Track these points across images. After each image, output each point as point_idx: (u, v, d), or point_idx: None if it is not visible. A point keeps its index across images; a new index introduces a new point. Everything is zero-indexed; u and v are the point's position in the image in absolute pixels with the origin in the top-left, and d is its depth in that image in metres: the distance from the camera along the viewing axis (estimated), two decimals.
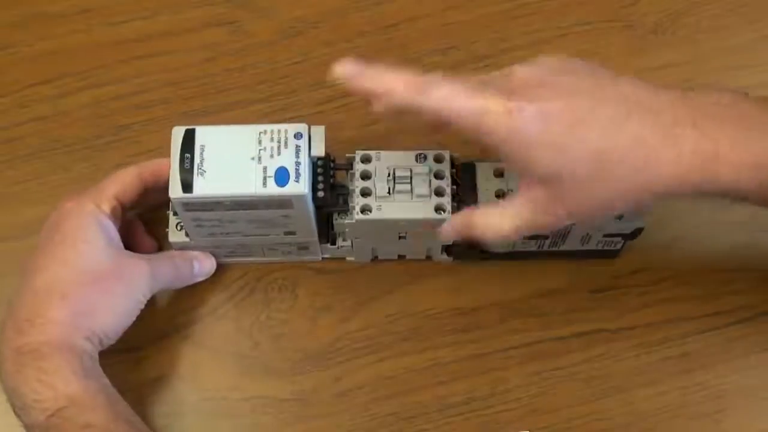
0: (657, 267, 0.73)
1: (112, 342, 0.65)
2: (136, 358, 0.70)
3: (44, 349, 0.61)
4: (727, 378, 0.70)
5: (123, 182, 0.68)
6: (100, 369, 0.63)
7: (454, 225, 0.61)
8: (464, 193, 0.67)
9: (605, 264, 0.73)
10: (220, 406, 0.70)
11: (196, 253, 0.70)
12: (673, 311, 0.72)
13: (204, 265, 0.70)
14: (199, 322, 0.72)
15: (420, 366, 0.70)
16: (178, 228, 0.69)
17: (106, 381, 0.63)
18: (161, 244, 0.72)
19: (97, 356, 0.63)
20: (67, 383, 0.60)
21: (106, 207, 0.66)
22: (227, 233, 0.67)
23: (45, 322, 0.61)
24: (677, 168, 0.53)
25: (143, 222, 0.73)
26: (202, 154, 0.63)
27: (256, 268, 0.73)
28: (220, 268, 0.73)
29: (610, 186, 0.54)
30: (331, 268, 0.73)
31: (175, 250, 0.70)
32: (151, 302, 0.71)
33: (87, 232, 0.64)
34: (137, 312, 0.66)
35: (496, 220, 0.59)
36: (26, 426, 0.61)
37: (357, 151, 0.67)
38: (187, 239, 0.69)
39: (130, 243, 0.72)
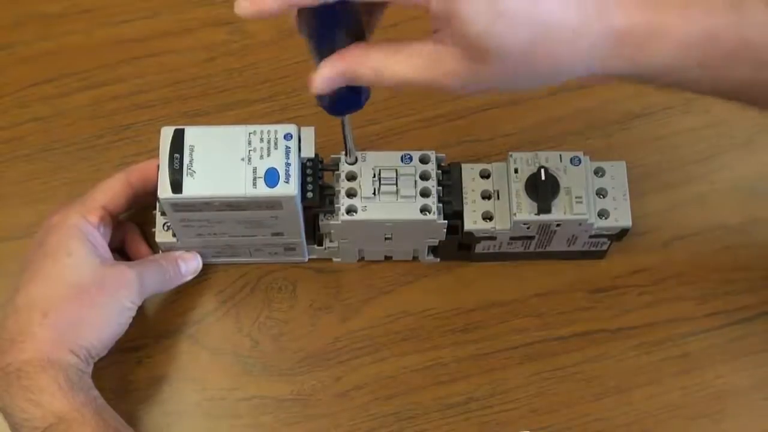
0: (657, 267, 0.73)
1: (103, 353, 0.65)
2: (137, 357, 0.70)
3: (27, 368, 0.60)
4: (727, 378, 0.70)
5: (111, 191, 0.68)
6: (89, 381, 0.63)
7: (336, 62, 0.52)
8: (450, 193, 0.67)
9: (605, 264, 0.73)
10: (220, 406, 0.70)
11: (179, 252, 0.70)
12: (673, 311, 0.72)
13: (190, 264, 0.70)
14: (200, 322, 0.72)
15: (420, 366, 0.70)
16: (165, 228, 0.69)
17: (96, 393, 0.63)
18: (149, 245, 0.72)
19: (86, 368, 0.63)
20: (53, 400, 0.60)
21: (93, 217, 0.66)
22: (215, 234, 0.67)
23: (26, 340, 0.61)
24: (598, 45, 0.49)
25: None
26: (191, 154, 0.63)
27: (256, 268, 0.73)
28: (220, 268, 0.73)
29: (539, 60, 0.49)
30: (331, 268, 0.73)
31: (162, 250, 0.70)
32: (152, 303, 0.71)
33: (70, 245, 0.64)
34: (127, 320, 0.65)
35: (390, 62, 0.51)
36: None
37: (343, 152, 0.67)
38: (173, 240, 0.69)
39: (126, 250, 0.72)
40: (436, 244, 0.70)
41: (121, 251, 0.72)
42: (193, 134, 0.63)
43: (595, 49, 0.50)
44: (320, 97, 0.56)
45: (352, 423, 0.69)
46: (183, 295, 0.72)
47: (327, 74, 0.52)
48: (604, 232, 0.68)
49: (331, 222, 0.67)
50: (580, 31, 0.49)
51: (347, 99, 0.56)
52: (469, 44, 0.49)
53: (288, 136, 0.63)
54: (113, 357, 0.66)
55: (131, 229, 0.72)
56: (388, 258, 0.73)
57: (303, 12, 0.53)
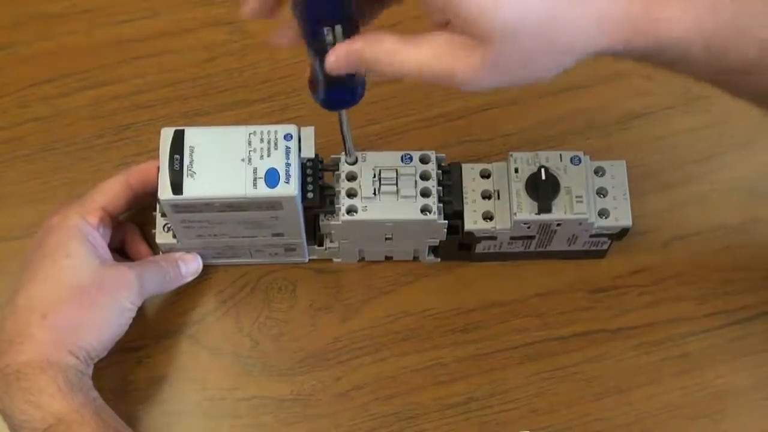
0: (657, 267, 0.73)
1: (103, 354, 0.64)
2: (137, 357, 0.70)
3: (26, 370, 0.60)
4: (727, 378, 0.70)
5: (111, 192, 0.68)
6: (89, 382, 0.63)
7: (349, 50, 0.51)
8: (450, 193, 0.67)
9: (605, 264, 0.73)
10: (220, 406, 0.70)
11: (180, 254, 0.70)
12: (673, 311, 0.72)
13: (191, 265, 0.70)
14: (200, 322, 0.72)
15: (420, 366, 0.70)
16: (165, 229, 0.69)
17: (95, 394, 0.62)
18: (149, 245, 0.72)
19: (86, 369, 0.63)
20: (52, 401, 0.60)
21: (93, 218, 0.66)
22: (215, 235, 0.67)
23: (25, 341, 0.61)
24: (604, 20, 0.49)
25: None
26: (191, 155, 0.63)
27: (256, 268, 0.73)
28: (220, 268, 0.73)
29: (546, 39, 0.49)
30: (331, 268, 0.73)
31: (162, 251, 0.70)
32: (152, 303, 0.71)
33: (69, 246, 0.64)
34: (127, 321, 0.65)
35: (406, 48, 0.50)
36: None
37: (343, 152, 0.67)
38: (174, 241, 0.69)
39: (126, 250, 0.72)
40: (437, 244, 0.70)
41: (121, 251, 0.72)
42: (193, 135, 0.63)
43: (602, 25, 0.49)
44: (315, 91, 0.55)
45: (352, 423, 0.69)
46: (183, 295, 0.72)
47: (342, 53, 0.51)
48: (605, 232, 0.68)
49: (332, 222, 0.67)
50: (586, 8, 0.49)
51: (342, 93, 0.56)
52: (472, 29, 0.48)
53: (288, 137, 0.63)
54: (113, 357, 0.66)
55: (131, 229, 0.72)
56: (388, 258, 0.73)
57: None
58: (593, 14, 0.49)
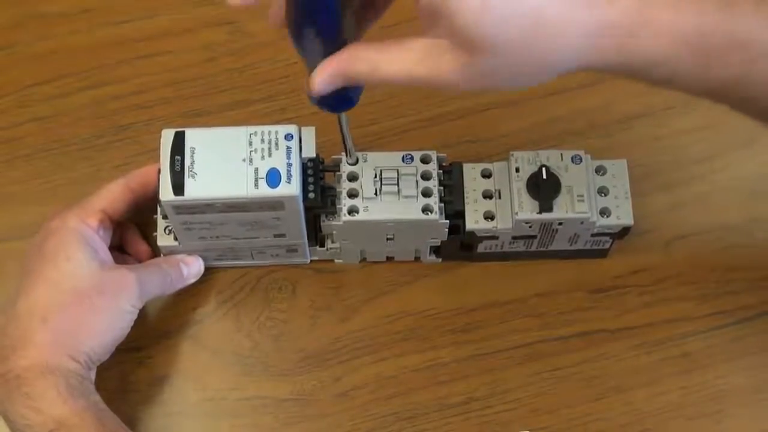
0: (657, 267, 0.73)
1: (105, 357, 0.64)
2: (137, 358, 0.70)
3: (27, 375, 0.60)
4: (727, 378, 0.70)
5: (111, 195, 0.68)
6: (90, 386, 0.63)
7: (334, 62, 0.52)
8: (451, 193, 0.67)
9: (605, 264, 0.73)
10: (220, 406, 0.69)
11: (182, 256, 0.70)
12: (673, 311, 0.72)
13: (192, 268, 0.70)
14: (200, 323, 0.72)
15: (420, 366, 0.70)
16: (167, 232, 0.69)
17: (96, 398, 0.62)
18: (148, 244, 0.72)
19: (87, 373, 0.63)
20: (53, 406, 0.59)
21: (93, 221, 0.66)
22: (217, 236, 0.67)
23: (26, 346, 0.61)
24: (589, 35, 0.49)
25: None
26: (192, 156, 0.62)
27: (256, 268, 0.73)
28: (220, 269, 0.73)
29: (531, 53, 0.49)
30: (331, 268, 0.73)
31: (164, 254, 0.70)
32: (153, 303, 0.71)
33: (68, 249, 0.64)
34: (128, 324, 0.65)
35: (385, 58, 0.51)
36: None
37: (343, 152, 0.67)
38: (176, 243, 0.68)
39: (125, 249, 0.72)
40: (438, 244, 0.70)
41: (121, 249, 0.72)
42: (193, 136, 0.63)
43: (586, 39, 0.49)
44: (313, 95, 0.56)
45: (352, 423, 0.69)
46: (183, 296, 0.72)
47: (325, 75, 0.52)
48: (606, 231, 0.68)
49: (333, 223, 0.66)
50: (570, 22, 0.49)
51: (339, 96, 0.56)
52: (459, 38, 0.49)
53: (289, 137, 0.63)
54: (114, 358, 0.65)
55: (130, 227, 0.72)
56: (389, 258, 0.73)
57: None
58: (579, 31, 0.49)
